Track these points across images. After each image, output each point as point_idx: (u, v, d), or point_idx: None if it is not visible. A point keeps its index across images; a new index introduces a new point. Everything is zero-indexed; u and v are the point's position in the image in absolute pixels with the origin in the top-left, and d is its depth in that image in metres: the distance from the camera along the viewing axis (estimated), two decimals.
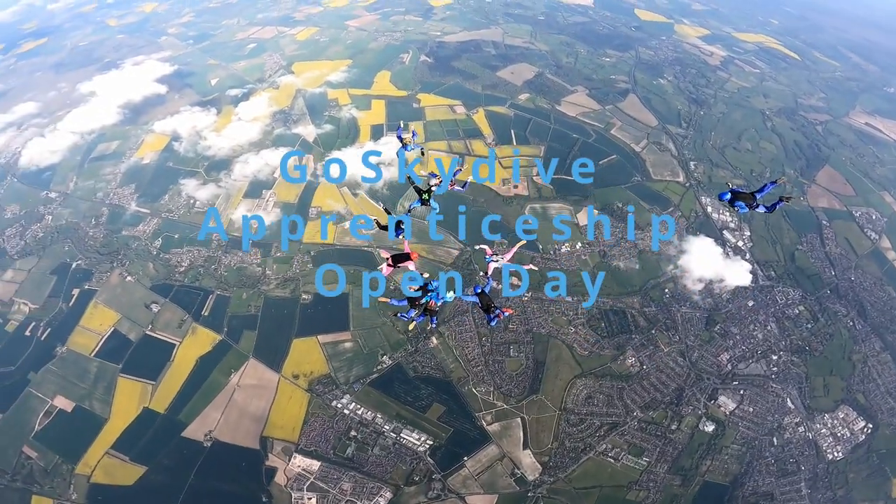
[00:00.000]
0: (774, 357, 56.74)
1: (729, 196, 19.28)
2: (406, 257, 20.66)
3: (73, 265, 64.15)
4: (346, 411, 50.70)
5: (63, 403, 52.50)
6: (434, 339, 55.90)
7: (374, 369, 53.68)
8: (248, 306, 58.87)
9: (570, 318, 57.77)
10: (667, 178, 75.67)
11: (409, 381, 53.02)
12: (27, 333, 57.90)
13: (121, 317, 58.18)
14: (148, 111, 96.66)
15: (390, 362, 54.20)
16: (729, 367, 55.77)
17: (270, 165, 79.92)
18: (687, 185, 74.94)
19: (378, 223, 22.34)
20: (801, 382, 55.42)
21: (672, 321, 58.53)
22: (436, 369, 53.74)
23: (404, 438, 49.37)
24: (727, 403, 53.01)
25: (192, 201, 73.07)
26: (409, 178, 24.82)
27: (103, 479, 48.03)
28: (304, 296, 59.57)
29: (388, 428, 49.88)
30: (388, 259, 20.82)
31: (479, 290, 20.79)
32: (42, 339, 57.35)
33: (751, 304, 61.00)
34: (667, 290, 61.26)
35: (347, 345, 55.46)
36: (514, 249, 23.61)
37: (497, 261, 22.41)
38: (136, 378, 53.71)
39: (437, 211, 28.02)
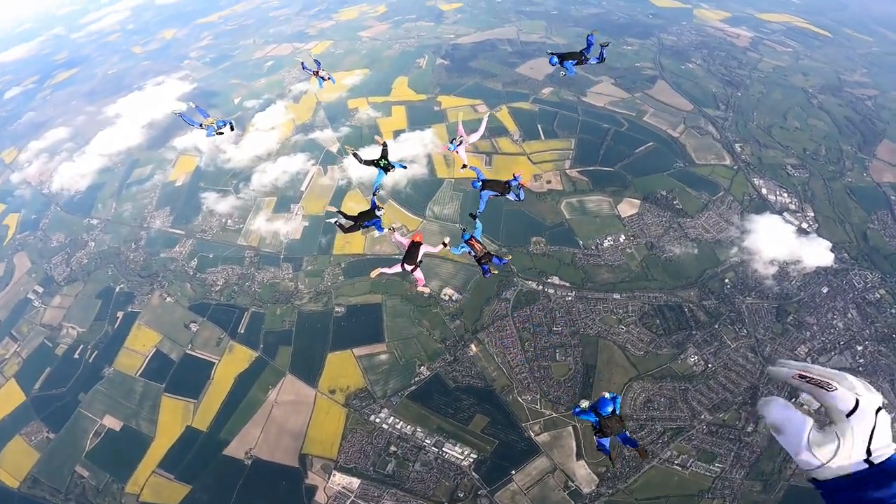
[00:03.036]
0: (859, 348, 51.79)
1: (557, 60, 20.65)
2: (415, 246, 18.59)
3: (117, 289, 65.86)
4: (384, 426, 49.51)
5: (112, 423, 53.76)
6: (474, 347, 54.24)
7: (412, 381, 52.38)
8: (282, 322, 58.85)
9: (620, 317, 54.74)
10: (712, 162, 71.98)
11: (449, 392, 51.37)
12: (76, 356, 59.72)
13: (162, 337, 59.25)
14: (172, 130, 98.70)
15: (428, 373, 52.78)
16: (808, 360, 50.88)
17: (288, 173, 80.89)
18: (735, 167, 71.03)
19: (341, 223, 19.94)
20: (892, 374, 50.50)
21: (737, 314, 54.50)
22: (477, 378, 51.95)
23: (447, 452, 47.63)
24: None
25: (224, 220, 74.10)
26: (353, 153, 21.89)
27: (151, 499, 48.62)
28: (336, 308, 59.10)
29: (429, 442, 48.30)
30: (405, 267, 18.37)
31: (482, 181, 20.85)
32: (90, 360, 59.00)
33: (825, 290, 56.12)
34: (727, 280, 57.37)
35: (383, 357, 54.49)
36: (484, 124, 23.65)
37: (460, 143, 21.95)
38: (178, 397, 54.49)
39: (406, 167, 25.15)
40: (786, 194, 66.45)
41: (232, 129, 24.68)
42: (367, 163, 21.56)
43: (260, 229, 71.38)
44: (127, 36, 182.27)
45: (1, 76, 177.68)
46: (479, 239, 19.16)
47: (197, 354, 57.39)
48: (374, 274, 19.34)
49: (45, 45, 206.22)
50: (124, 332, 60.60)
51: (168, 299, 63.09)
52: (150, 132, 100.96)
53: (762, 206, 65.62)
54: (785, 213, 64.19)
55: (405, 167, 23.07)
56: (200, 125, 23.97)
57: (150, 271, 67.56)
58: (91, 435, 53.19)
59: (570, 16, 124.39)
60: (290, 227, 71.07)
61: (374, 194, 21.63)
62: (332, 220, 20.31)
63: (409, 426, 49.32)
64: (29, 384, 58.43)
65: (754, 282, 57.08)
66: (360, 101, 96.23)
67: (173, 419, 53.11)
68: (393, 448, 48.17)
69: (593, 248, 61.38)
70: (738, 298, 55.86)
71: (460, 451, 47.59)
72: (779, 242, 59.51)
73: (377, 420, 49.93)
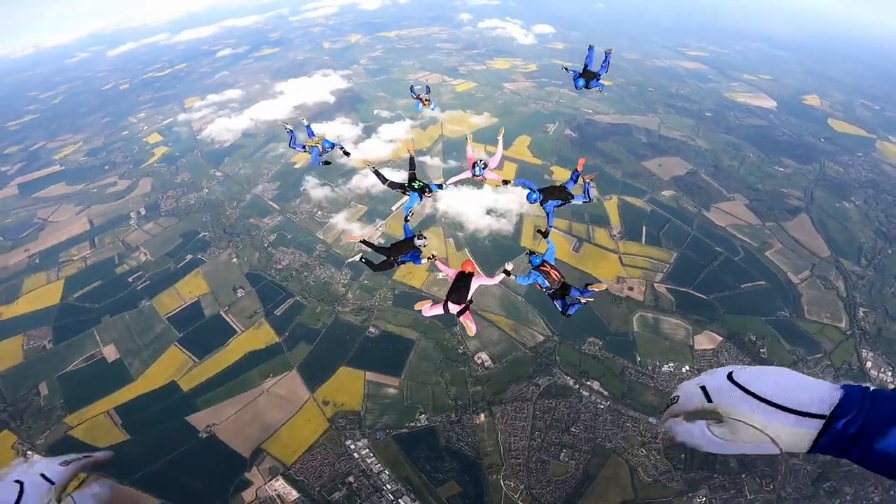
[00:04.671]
0: None
1: (583, 83, 18.76)
2: (464, 278, 14.19)
3: (201, 234, 72.75)
4: (355, 455, 46.62)
5: (109, 353, 56.30)
6: (482, 417, 49.99)
7: (406, 424, 49.34)
8: (317, 320, 59.57)
9: (644, 440, 48.17)
10: (824, 321, 60.31)
11: (436, 448, 47.51)
12: (129, 280, 65.67)
13: (209, 291, 63.12)
14: (315, 117, 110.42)
15: (426, 423, 49.44)
16: None
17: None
18: (848, 332, 59.00)
19: (369, 260, 15.98)
20: None
21: (773, 470, 46.62)
22: (470, 447, 47.55)
23: None
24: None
25: (315, 210, 79.07)
26: (375, 171, 18.71)
27: (80, 435, 48.53)
28: (371, 329, 58.49)
29: (389, 487, 44.49)
30: (449, 307, 13.99)
31: (538, 191, 17.17)
32: (137, 288, 64.22)
33: None
34: None
35: (391, 391, 52.29)
36: (500, 146, 20.02)
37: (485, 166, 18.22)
38: (185, 351, 56.31)
39: (443, 185, 18.95)
40: (890, 373, 54.69)
41: (345, 153, 21.79)
42: (394, 185, 18.26)
43: (339, 229, 74.50)
44: (324, 31, 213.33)
45: (227, 38, 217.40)
46: (553, 264, 15.12)
47: (227, 319, 59.84)
48: (418, 306, 15.07)
49: (269, 21, 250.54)
50: (182, 273, 65.85)
51: (234, 260, 68.03)
52: (297, 113, 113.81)
53: (859, 377, 54.34)
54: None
55: (441, 187, 18.82)
56: (304, 147, 21.16)
57: (234, 230, 73.91)
58: (81, 358, 55.70)
59: (725, 121, 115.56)
60: (365, 235, 73.25)
61: (405, 220, 17.99)
62: (358, 258, 16.17)
63: (378, 465, 45.99)
64: (72, 291, 64.68)
65: None
66: (479, 145, 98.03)
67: (165, 370, 54.44)
68: (351, 479, 44.95)
69: (649, 368, 54.21)
70: (783, 456, 45.15)
71: None
72: None
73: (351, 447, 47.28)
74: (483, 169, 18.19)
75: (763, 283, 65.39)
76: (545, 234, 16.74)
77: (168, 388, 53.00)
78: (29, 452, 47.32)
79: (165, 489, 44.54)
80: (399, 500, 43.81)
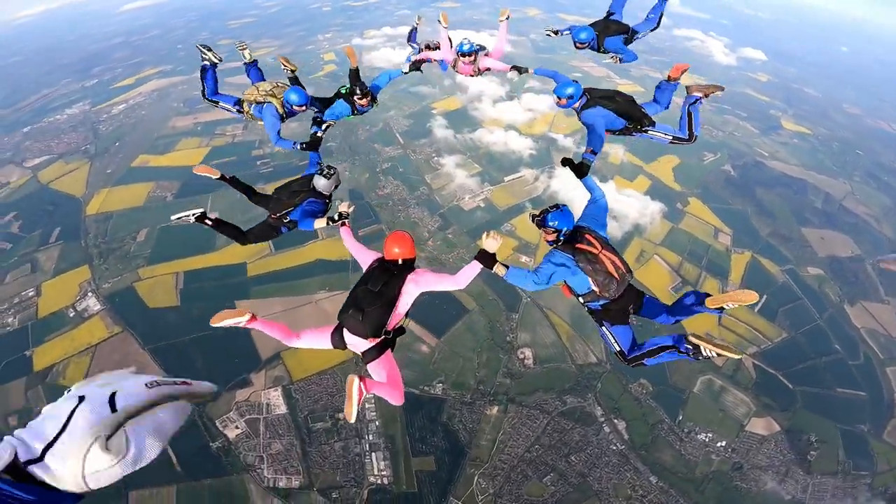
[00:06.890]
0: None
1: (593, 34, 12.50)
2: (389, 273, 7.04)
3: (329, 143, 79.18)
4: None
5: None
6: (495, 410, 48.78)
7: (421, 386, 49.05)
8: None
9: (634, 494, 43.71)
10: None
11: (435, 420, 46.94)
12: (258, 163, 73.12)
13: None
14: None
15: (439, 393, 48.88)
16: None
17: (507, 147, 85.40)
18: None
19: (213, 219, 9.44)
20: None
21: None
22: (467, 433, 46.47)
23: (370, 459, 42.81)
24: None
25: (433, 155, 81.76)
26: (288, 69, 11.80)
27: (142, 292, 51.11)
28: None
29: (369, 438, 44.18)
30: (349, 337, 7.10)
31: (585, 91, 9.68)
32: (260, 172, 70.33)
33: None
34: None
35: (424, 348, 52.09)
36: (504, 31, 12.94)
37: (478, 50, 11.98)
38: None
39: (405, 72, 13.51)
40: None
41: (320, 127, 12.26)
42: (326, 100, 11.60)
43: (446, 176, 76.22)
44: None
45: None
46: (606, 238, 7.17)
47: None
48: (217, 319, 6.88)
49: None
50: (299, 171, 68.82)
51: (346, 173, 73.27)
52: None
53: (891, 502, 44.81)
54: None
55: (404, 72, 13.48)
56: (238, 105, 11.86)
57: (357, 149, 79.87)
58: (188, 215, 62.27)
59: None
60: (469, 194, 73.75)
61: (316, 135, 11.44)
62: (192, 218, 9.43)
63: (374, 413, 45.88)
64: (213, 158, 73.04)
65: None
66: (619, 148, 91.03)
67: (244, 250, 54.04)
68: (340, 416, 44.73)
69: (684, 430, 48.09)
70: None
71: (381, 468, 42.58)
72: None
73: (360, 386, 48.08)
74: (474, 50, 12.09)
75: (864, 394, 53.85)
76: (580, 171, 8.52)
77: (237, 268, 55.92)
78: (89, 294, 51.12)
79: (172, 364, 46.16)
80: (372, 454, 43.19)
